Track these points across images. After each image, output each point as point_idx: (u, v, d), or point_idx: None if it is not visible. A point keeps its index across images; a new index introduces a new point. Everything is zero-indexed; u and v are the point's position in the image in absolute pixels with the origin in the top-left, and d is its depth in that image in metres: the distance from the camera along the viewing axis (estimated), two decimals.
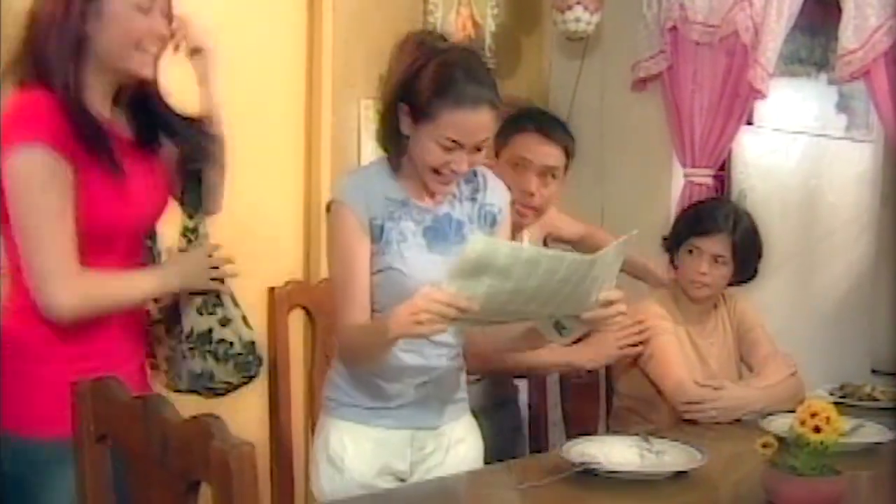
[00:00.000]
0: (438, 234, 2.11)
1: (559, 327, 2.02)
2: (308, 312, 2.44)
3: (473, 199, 2.18)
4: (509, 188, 2.45)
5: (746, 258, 2.77)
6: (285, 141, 3.52)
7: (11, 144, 1.83)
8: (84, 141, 1.88)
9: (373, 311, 2.08)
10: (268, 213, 3.38)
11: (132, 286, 2.00)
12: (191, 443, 1.45)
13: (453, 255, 2.00)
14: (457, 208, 2.15)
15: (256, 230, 3.19)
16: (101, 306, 1.93)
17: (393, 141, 2.10)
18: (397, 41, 2.08)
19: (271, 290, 2.37)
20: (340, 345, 2.14)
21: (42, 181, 1.84)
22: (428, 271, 2.02)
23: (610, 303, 1.95)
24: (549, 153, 2.58)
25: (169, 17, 2.02)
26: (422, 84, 2.00)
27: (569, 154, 2.63)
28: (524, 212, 2.58)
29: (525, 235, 2.59)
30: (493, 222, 2.20)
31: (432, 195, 2.12)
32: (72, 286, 1.87)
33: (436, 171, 2.04)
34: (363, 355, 2.09)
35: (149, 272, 2.04)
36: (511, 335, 2.13)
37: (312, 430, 2.41)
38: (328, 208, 2.12)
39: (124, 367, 1.99)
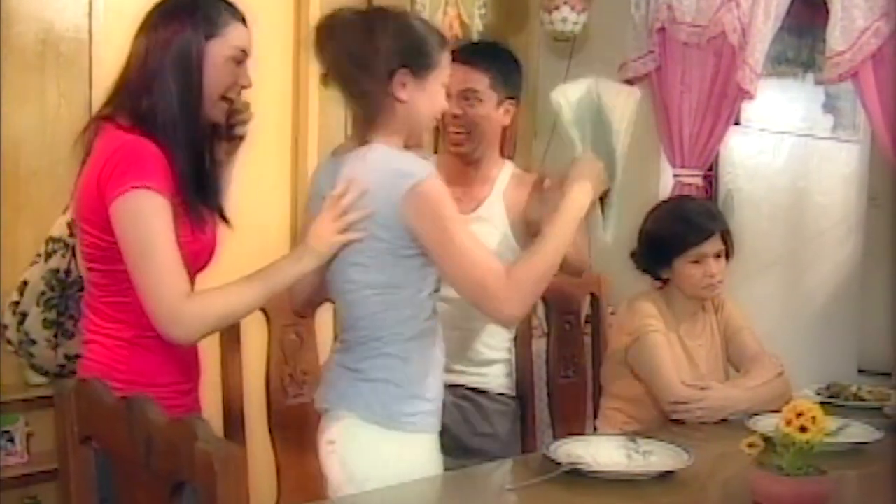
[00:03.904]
0: None
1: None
2: (264, 311, 2.42)
3: None
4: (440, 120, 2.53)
5: (731, 238, 2.81)
6: (272, 141, 3.52)
7: (127, 185, 1.91)
8: (188, 194, 2.00)
9: None
10: (255, 214, 3.38)
11: (241, 297, 2.01)
12: (175, 444, 1.45)
13: None
14: None
15: (243, 231, 3.19)
16: (220, 325, 2.04)
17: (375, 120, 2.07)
18: (326, 27, 2.07)
19: None
20: (514, 293, 1.99)
21: (158, 221, 1.92)
22: None
23: None
24: (467, 77, 2.58)
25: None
26: (419, 39, 2.06)
27: (494, 76, 2.62)
28: (456, 137, 2.63)
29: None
30: None
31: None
32: (190, 311, 1.93)
33: (435, 119, 2.16)
34: (551, 272, 2.08)
35: (252, 282, 2.03)
36: None
37: (270, 431, 2.40)
38: (414, 192, 1.97)
39: (191, 391, 2.12)
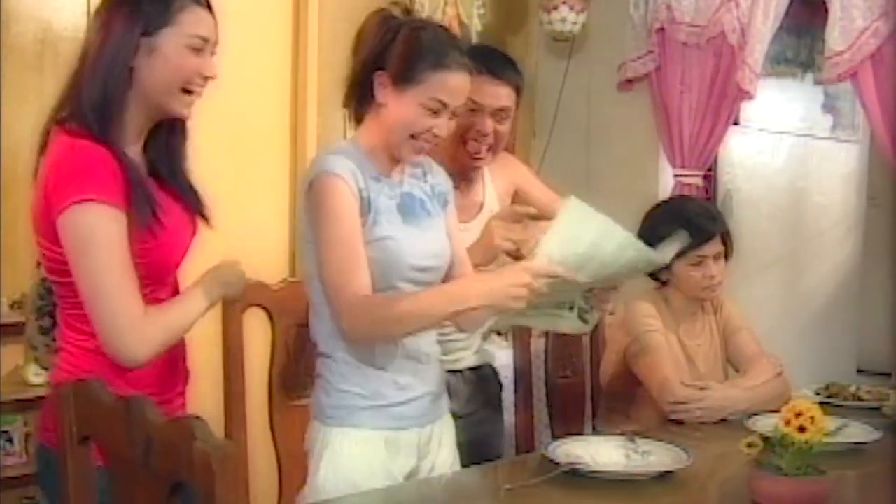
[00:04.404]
0: (408, 209, 2.13)
1: (583, 316, 2.11)
2: (268, 312, 2.42)
3: (425, 181, 2.22)
4: (464, 132, 2.52)
5: (731, 240, 2.82)
6: (271, 144, 3.52)
7: (69, 199, 1.82)
8: (132, 196, 1.88)
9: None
10: (255, 216, 3.38)
11: (187, 312, 1.98)
12: (174, 444, 1.44)
13: (426, 228, 2.13)
14: (416, 187, 2.18)
15: (243, 232, 3.19)
16: (169, 342, 1.94)
17: (358, 112, 2.14)
18: (365, 19, 2.11)
19: None
20: (355, 317, 1.99)
21: (104, 236, 1.83)
22: (413, 242, 2.09)
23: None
24: (501, 94, 2.57)
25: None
26: (404, 49, 2.04)
27: (519, 91, 2.62)
28: (480, 153, 2.58)
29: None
30: (445, 202, 2.24)
31: (400, 173, 2.15)
32: (140, 336, 1.87)
33: (412, 137, 2.07)
34: (400, 328, 2.02)
35: (193, 293, 2.01)
36: None
37: (272, 432, 2.39)
38: (311, 184, 2.05)
39: (171, 400, 2.04)
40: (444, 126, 2.08)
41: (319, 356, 2.14)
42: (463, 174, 2.62)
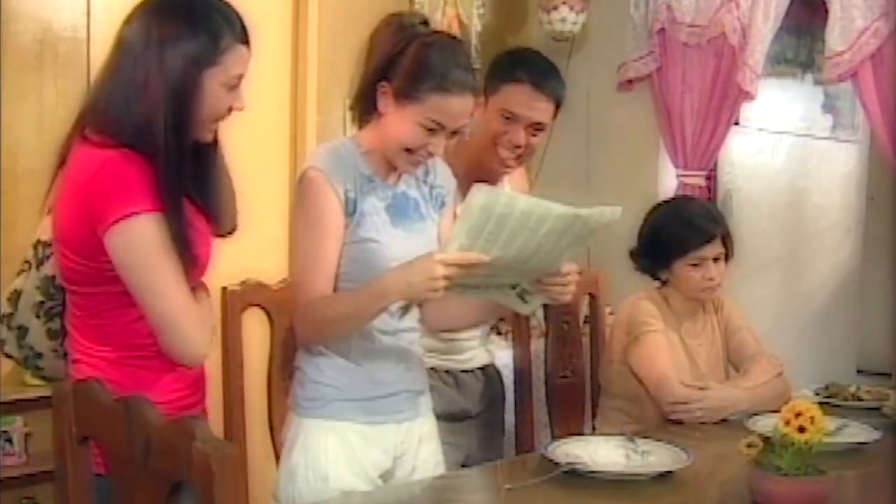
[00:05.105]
0: (399, 210, 2.15)
1: (523, 296, 2.09)
2: (267, 312, 2.43)
3: (425, 181, 2.23)
4: (496, 138, 2.49)
5: (731, 241, 2.81)
6: (271, 141, 3.52)
7: (118, 214, 1.82)
8: (179, 213, 1.90)
9: (337, 284, 2.09)
10: (254, 216, 3.36)
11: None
12: (173, 444, 1.44)
13: (414, 231, 2.14)
14: (412, 187, 2.20)
15: (243, 232, 3.18)
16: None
17: (364, 117, 2.15)
18: (380, 21, 2.12)
19: (224, 289, 2.35)
20: (304, 317, 2.08)
21: (163, 243, 1.85)
22: (397, 245, 2.09)
23: (568, 274, 2.05)
24: (540, 108, 2.51)
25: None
26: (408, 65, 2.04)
27: (559, 104, 2.57)
28: (509, 162, 2.54)
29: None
30: (442, 204, 2.25)
31: (397, 175, 2.16)
32: (205, 335, 1.94)
33: (409, 151, 2.07)
34: (337, 328, 2.07)
35: None
36: (469, 310, 2.24)
37: (271, 432, 2.40)
38: (300, 177, 2.11)
39: (197, 403, 2.05)
40: (440, 145, 2.07)
41: (299, 348, 2.17)
42: (487, 178, 2.58)
